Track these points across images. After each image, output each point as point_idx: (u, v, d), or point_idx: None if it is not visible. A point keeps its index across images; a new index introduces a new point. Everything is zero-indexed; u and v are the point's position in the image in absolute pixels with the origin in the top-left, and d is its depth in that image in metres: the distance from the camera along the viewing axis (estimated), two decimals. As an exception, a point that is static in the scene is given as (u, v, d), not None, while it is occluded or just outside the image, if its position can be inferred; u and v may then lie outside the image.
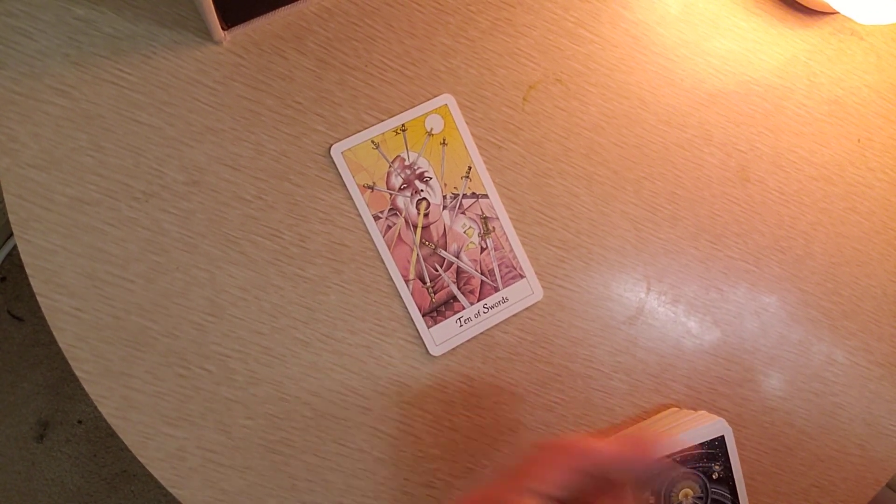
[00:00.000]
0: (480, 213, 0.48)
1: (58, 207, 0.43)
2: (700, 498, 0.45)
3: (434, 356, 0.47)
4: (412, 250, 0.47)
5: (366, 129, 0.47)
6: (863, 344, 0.54)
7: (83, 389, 0.43)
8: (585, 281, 0.50)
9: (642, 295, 0.51)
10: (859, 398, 0.54)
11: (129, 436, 0.44)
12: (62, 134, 0.43)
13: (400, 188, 0.47)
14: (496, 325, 0.48)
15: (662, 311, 0.51)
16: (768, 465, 0.52)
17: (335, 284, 0.46)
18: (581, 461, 0.32)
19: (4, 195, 0.42)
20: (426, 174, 0.47)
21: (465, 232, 0.48)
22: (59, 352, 0.45)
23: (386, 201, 0.47)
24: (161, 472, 0.44)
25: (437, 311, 0.47)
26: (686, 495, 0.45)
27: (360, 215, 0.47)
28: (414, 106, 0.47)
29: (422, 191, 0.47)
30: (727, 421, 0.46)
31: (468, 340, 0.48)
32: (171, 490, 0.44)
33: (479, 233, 0.48)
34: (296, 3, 0.45)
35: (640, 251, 0.51)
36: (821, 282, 0.53)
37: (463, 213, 0.48)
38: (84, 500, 1.18)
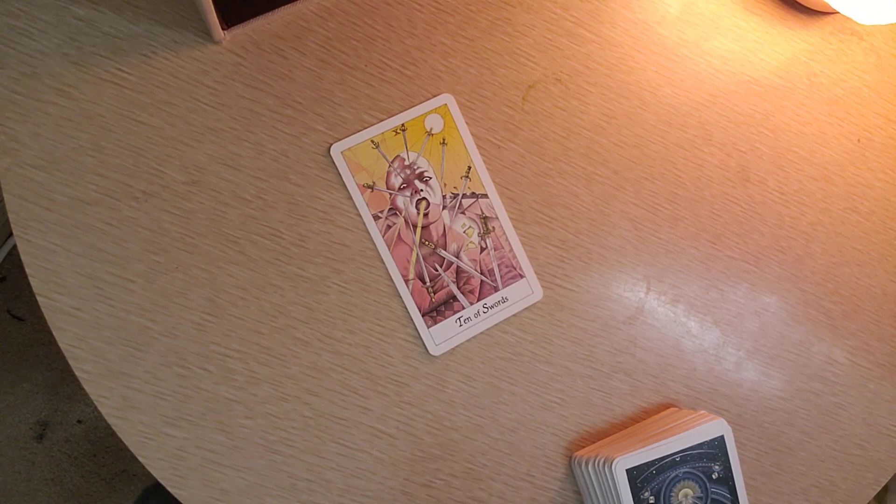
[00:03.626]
0: (480, 212, 0.48)
1: (58, 207, 0.43)
2: (700, 498, 0.45)
3: (434, 356, 0.47)
4: (412, 250, 0.47)
5: (365, 128, 0.47)
6: (863, 344, 0.54)
7: (83, 389, 0.43)
8: (585, 281, 0.50)
9: (642, 295, 0.50)
10: (859, 398, 0.54)
11: (129, 436, 0.44)
12: (62, 134, 0.43)
13: (400, 188, 0.47)
14: (496, 324, 0.48)
15: (662, 311, 0.51)
16: (768, 465, 0.52)
17: (335, 284, 0.46)
18: None
19: (4, 195, 0.42)
20: (426, 174, 0.47)
21: (464, 232, 0.48)
22: (59, 352, 0.45)
23: (386, 201, 0.47)
24: (161, 472, 0.44)
25: (436, 311, 0.47)
26: (686, 495, 0.45)
27: (359, 215, 0.47)
28: (414, 106, 0.47)
29: (421, 190, 0.47)
30: (727, 421, 0.46)
31: (468, 340, 0.48)
32: (171, 490, 0.44)
33: (479, 232, 0.48)
34: (296, 2, 0.45)
35: (639, 251, 0.51)
36: (821, 282, 0.53)
37: (463, 212, 0.48)
38: (84, 500, 1.18)
